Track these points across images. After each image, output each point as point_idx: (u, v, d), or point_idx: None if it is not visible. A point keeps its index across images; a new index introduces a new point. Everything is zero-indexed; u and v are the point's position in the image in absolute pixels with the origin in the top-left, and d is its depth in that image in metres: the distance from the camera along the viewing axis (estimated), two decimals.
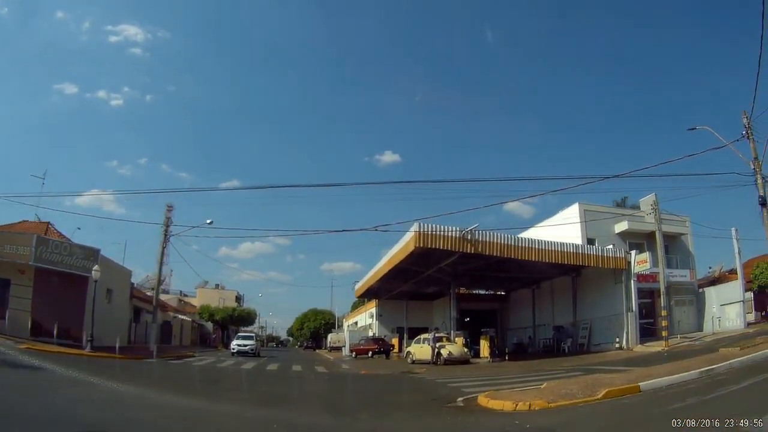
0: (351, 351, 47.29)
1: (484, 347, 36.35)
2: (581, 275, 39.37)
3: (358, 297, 64.58)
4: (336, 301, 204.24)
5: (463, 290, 50.70)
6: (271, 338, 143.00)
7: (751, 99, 23.19)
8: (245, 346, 41.86)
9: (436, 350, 31.61)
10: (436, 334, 34.16)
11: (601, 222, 40.00)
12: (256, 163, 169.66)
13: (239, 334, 49.89)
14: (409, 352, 36.35)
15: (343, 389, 19.63)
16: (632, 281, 35.29)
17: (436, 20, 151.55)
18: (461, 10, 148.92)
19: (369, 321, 62.84)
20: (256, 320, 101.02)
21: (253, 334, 45.97)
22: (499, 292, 55.34)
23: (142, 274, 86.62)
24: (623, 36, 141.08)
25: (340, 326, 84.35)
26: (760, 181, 23.57)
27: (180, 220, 43.56)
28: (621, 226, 41.00)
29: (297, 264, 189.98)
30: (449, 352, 31.19)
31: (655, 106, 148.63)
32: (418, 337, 36.85)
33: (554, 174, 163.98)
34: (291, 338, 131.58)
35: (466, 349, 33.41)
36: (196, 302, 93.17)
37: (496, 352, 35.14)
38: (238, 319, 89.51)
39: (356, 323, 74.35)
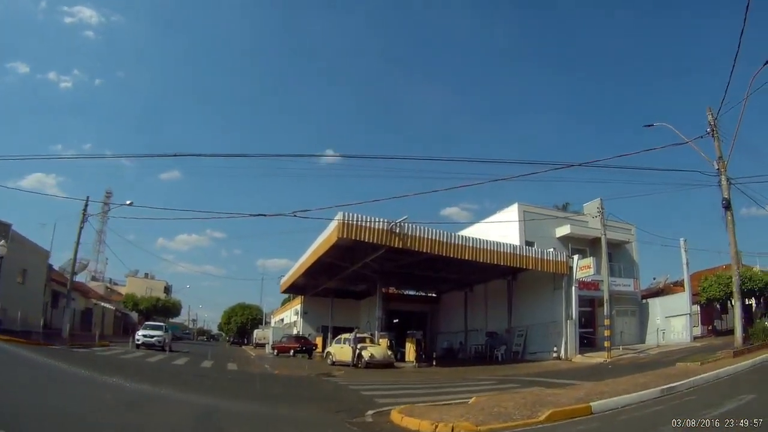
0: (273, 348, 45.27)
1: (410, 351, 33.67)
2: (518, 279, 37.28)
3: (283, 292, 61.57)
4: (268, 298, 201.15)
5: (392, 290, 48.91)
6: (202, 332, 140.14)
7: (714, 95, 21.03)
8: (152, 337, 36.90)
9: (358, 352, 29.18)
10: (358, 335, 31.41)
11: (542, 225, 37.92)
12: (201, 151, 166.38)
13: (147, 323, 45.08)
14: (329, 353, 33.89)
15: (237, 394, 16.10)
16: (573, 287, 33.18)
17: None
18: None
19: (294, 318, 60.57)
20: (187, 312, 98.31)
21: (162, 325, 41.12)
22: (430, 294, 52.97)
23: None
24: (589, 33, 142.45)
25: (268, 322, 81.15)
26: (724, 182, 21.87)
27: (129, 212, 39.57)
28: (563, 230, 39.04)
29: (232, 259, 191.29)
30: (371, 354, 28.76)
31: (618, 103, 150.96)
32: (339, 336, 34.25)
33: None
34: (223, 333, 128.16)
35: (390, 352, 31.02)
36: (125, 291, 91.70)
37: (423, 357, 32.99)
38: (162, 309, 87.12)
39: (282, 320, 71.78)
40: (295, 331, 52.81)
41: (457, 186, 28.24)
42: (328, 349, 35.54)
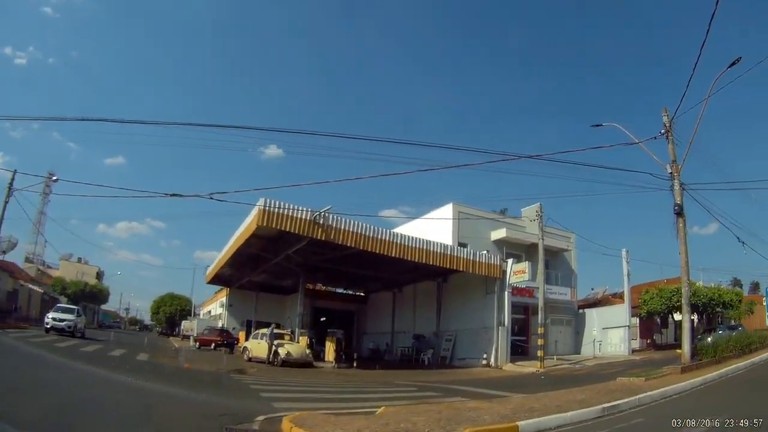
0: (195, 341, 43.38)
1: (330, 350, 31.56)
2: (449, 282, 35.52)
3: (209, 283, 58.99)
4: (206, 290, 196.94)
5: (320, 287, 46.85)
6: (135, 321, 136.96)
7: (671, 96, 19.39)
8: (61, 321, 33.71)
9: (274, 348, 27.38)
10: (276, 330, 29.37)
11: (477, 227, 36.56)
12: (147, 138, 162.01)
13: (58, 305, 41.60)
14: (245, 348, 32.00)
15: (118, 389, 13.80)
16: (506, 293, 31.52)
17: None
18: None
19: (220, 311, 58.25)
20: (119, 301, 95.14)
21: (75, 308, 37.85)
22: (358, 293, 51.02)
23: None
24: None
25: (198, 314, 78.64)
26: (677, 187, 20.22)
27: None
28: (498, 234, 37.61)
29: (172, 249, 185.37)
30: (288, 352, 26.82)
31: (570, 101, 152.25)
32: (257, 331, 32.20)
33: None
34: (156, 324, 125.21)
35: (308, 351, 29.10)
36: (57, 274, 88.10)
37: (343, 357, 30.98)
38: (90, 295, 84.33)
39: (210, 312, 70.19)
40: (220, 324, 50.69)
41: (385, 174, 25.84)
42: (245, 344, 33.71)
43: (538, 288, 32.42)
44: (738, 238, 29.28)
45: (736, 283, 64.62)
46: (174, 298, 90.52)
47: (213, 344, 39.22)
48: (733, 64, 17.30)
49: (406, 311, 40.91)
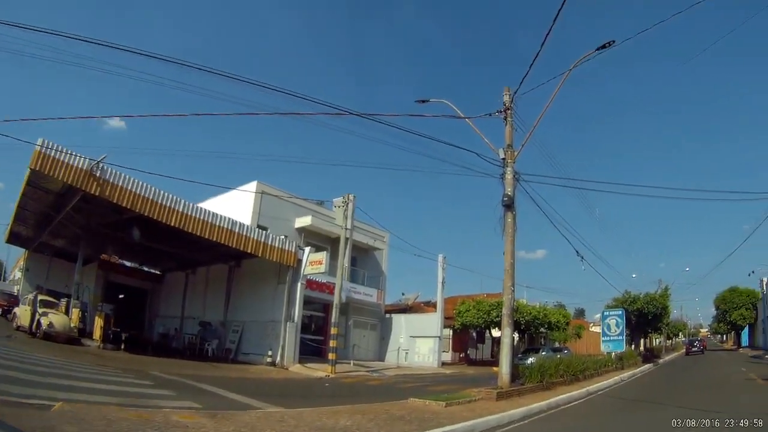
0: None
1: (97, 327, 27.52)
2: (242, 266, 32.49)
3: (7, 242, 53.92)
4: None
5: (115, 259, 43.11)
6: None
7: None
8: None
9: (38, 318, 24.82)
10: (41, 297, 26.77)
11: (282, 212, 33.96)
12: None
13: None
14: (15, 314, 29.39)
15: None
16: (299, 284, 28.83)
17: None
18: None
19: (19, 275, 52.24)
20: None
21: None
22: (154, 271, 46.76)
23: None
24: None
25: (10, 278, 72.66)
26: (509, 176, 17.62)
27: None
28: (303, 221, 34.69)
29: None
30: (50, 322, 24.18)
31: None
32: (26, 297, 29.40)
33: None
34: None
35: (74, 325, 26.06)
36: None
37: (110, 336, 27.92)
38: None
39: (14, 276, 63.28)
40: (15, 289, 46.62)
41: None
42: (15, 309, 30.50)
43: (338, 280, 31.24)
44: (577, 252, 29.10)
45: (561, 307, 65.82)
46: None
47: (1, 309, 36.91)
48: (604, 47, 15.26)
49: (198, 295, 37.62)
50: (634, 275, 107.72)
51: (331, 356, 25.81)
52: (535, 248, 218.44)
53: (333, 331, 26.72)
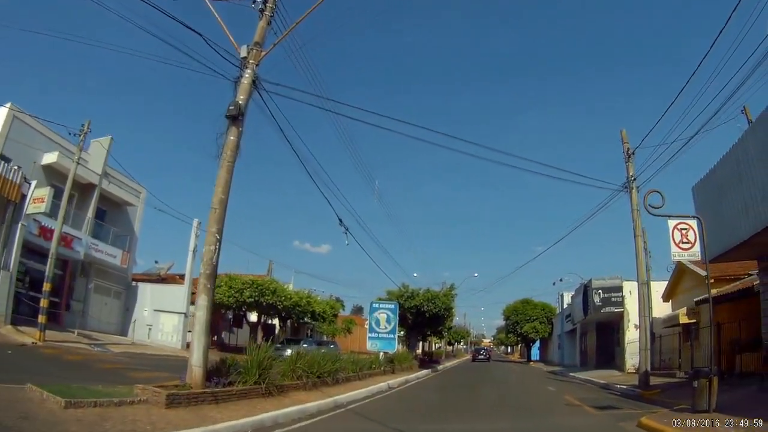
0: None
1: None
2: None
3: None
4: None
5: None
6: None
7: None
8: None
9: None
10: None
11: (35, 144, 27.54)
12: None
13: None
14: None
15: None
16: (20, 224, 23.96)
17: None
18: None
19: None
20: None
21: None
22: None
23: None
24: None
25: None
26: (247, 80, 13.38)
27: None
28: (49, 158, 28.14)
29: None
30: None
31: None
32: None
33: None
34: None
35: None
36: None
37: None
38: None
39: None
40: None
41: None
42: None
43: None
44: (341, 221, 22.00)
45: (339, 302, 60.55)
46: None
47: None
48: None
49: None
50: (415, 274, 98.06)
51: (41, 319, 21.66)
52: (320, 243, 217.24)
53: (46, 287, 22.77)
